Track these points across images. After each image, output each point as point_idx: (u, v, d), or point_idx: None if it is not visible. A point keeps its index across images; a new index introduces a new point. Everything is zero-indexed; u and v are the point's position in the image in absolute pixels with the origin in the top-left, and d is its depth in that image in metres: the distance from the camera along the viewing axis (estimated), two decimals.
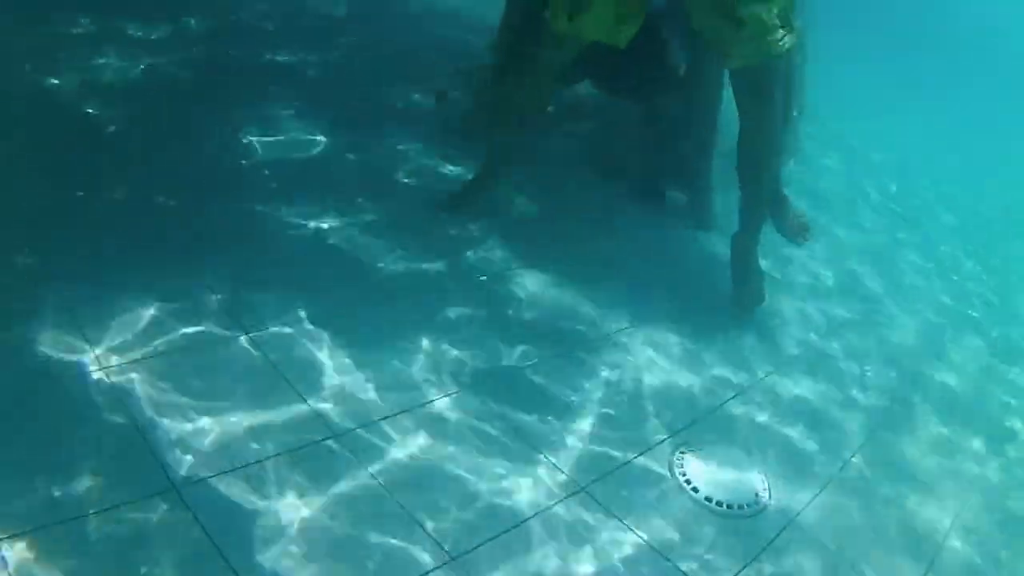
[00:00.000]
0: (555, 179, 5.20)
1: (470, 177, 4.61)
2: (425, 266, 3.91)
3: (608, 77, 5.10)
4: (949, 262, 6.73)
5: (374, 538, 2.50)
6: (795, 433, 3.65)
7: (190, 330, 3.04)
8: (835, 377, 4.23)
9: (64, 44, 4.71)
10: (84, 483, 2.35)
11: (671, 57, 4.95)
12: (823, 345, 4.51)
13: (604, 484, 2.99)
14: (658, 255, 4.79)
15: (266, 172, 4.22)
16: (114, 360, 2.79)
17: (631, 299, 4.20)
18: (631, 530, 2.82)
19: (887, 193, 7.83)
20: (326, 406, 2.92)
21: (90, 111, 4.18)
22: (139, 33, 5.12)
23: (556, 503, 2.84)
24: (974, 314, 5.86)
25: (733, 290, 4.47)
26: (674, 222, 5.18)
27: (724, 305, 4.43)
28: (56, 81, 4.32)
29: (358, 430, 2.87)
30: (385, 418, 2.96)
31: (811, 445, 3.61)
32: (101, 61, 4.66)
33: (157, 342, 2.94)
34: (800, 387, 4.01)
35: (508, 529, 2.68)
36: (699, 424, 3.49)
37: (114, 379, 2.72)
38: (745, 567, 2.83)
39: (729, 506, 3.07)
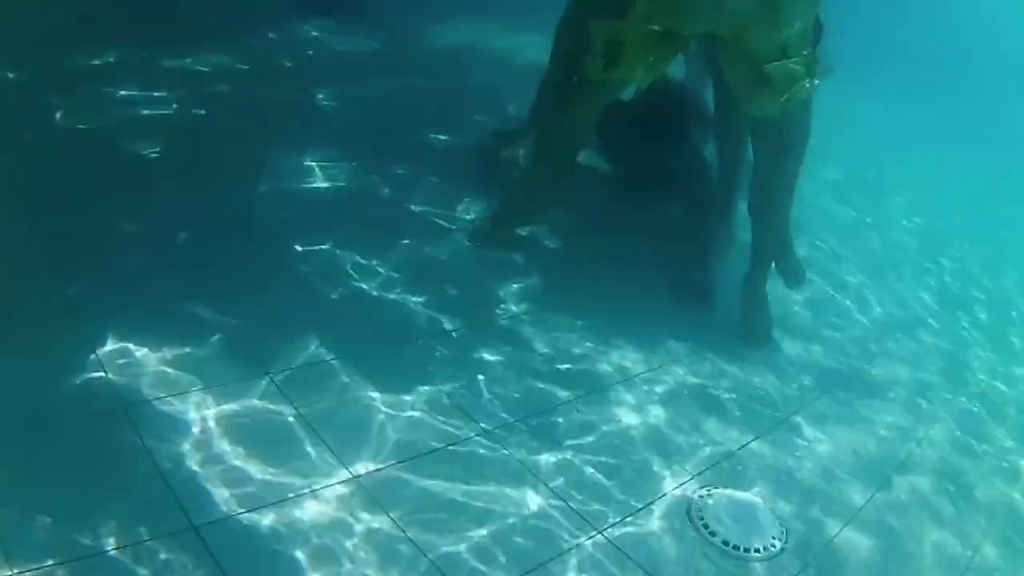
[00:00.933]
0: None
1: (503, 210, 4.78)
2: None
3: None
4: None
5: None
6: (810, 476, 3.65)
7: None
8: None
9: (88, 77, 4.83)
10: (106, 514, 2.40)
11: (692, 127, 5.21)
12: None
13: (623, 528, 3.01)
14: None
15: (291, 211, 4.31)
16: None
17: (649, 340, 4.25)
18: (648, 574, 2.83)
19: None
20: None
21: (117, 147, 4.28)
22: (168, 66, 5.24)
23: (570, 548, 2.86)
24: None
25: (743, 327, 4.56)
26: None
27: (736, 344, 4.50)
28: (76, 116, 4.40)
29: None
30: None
31: (825, 488, 3.61)
32: (124, 94, 4.76)
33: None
34: (818, 431, 4.00)
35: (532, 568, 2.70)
36: (716, 468, 3.50)
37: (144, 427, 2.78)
38: None
39: (747, 549, 3.07)
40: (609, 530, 2.97)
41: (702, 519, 3.15)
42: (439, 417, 3.27)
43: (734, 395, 4.07)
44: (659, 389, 3.92)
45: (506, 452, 3.19)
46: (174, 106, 4.84)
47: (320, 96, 5.68)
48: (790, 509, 3.38)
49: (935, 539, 3.50)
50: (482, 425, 3.29)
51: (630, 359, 4.07)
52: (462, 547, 2.71)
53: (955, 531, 3.59)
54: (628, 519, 3.06)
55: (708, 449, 3.61)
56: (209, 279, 3.59)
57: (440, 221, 4.72)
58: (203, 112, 4.95)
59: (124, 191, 3.96)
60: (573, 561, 2.79)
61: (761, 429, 3.86)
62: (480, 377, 3.59)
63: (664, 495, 3.25)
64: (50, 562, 2.21)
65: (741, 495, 3.38)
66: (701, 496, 3.28)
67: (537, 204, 4.77)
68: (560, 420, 3.49)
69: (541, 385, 3.67)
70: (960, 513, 3.74)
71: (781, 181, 4.23)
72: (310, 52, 6.40)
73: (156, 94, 4.87)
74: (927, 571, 3.31)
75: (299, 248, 4.02)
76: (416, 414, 3.24)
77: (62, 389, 2.80)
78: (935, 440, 4.30)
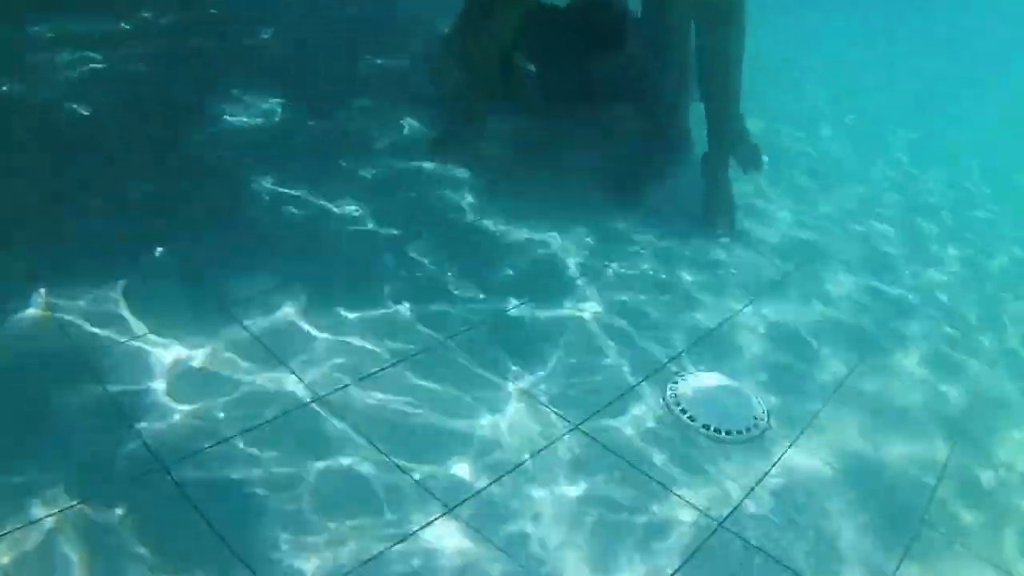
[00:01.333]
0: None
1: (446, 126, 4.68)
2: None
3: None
4: None
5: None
6: (785, 355, 3.55)
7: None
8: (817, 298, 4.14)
9: (25, 48, 4.60)
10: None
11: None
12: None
13: (599, 420, 2.88)
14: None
15: (236, 152, 4.09)
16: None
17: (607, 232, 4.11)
18: (633, 466, 2.71)
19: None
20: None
21: (58, 111, 4.05)
22: (96, 32, 4.96)
23: (552, 443, 2.72)
24: None
25: (705, 214, 4.48)
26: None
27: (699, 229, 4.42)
28: (21, 86, 4.22)
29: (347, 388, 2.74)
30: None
31: (802, 365, 3.51)
32: (64, 60, 4.53)
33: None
34: (780, 312, 3.90)
35: (507, 471, 2.56)
36: (688, 352, 3.38)
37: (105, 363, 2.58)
38: (752, 490, 2.72)
39: (728, 432, 2.96)
40: (586, 423, 2.84)
41: (679, 405, 3.03)
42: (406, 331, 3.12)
43: (698, 278, 3.96)
44: (622, 276, 3.81)
45: (471, 357, 3.05)
46: (112, 68, 4.58)
47: (252, 38, 5.46)
48: (770, 387, 3.28)
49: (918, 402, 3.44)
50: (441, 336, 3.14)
51: (588, 250, 3.96)
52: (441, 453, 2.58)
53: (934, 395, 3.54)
54: (605, 410, 2.93)
55: (678, 334, 3.48)
56: (162, 227, 3.37)
57: (380, 143, 4.52)
58: (141, 69, 4.69)
59: (70, 156, 3.73)
60: (552, 457, 2.66)
61: (732, 308, 3.75)
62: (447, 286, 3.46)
63: (641, 382, 3.12)
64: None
65: (718, 377, 3.26)
66: (675, 383, 3.16)
67: (472, 114, 4.68)
68: (523, 317, 3.34)
69: (499, 285, 3.53)
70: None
71: (727, 55, 4.13)
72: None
73: (93, 56, 4.61)
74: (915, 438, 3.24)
75: (248, 186, 3.82)
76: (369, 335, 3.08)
77: (22, 351, 2.62)
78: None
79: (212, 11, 5.80)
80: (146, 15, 5.37)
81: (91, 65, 4.56)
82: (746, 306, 3.82)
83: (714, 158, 4.38)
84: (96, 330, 2.75)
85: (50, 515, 2.10)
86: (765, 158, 4.87)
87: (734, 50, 4.13)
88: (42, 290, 2.86)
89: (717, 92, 4.24)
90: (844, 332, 3.84)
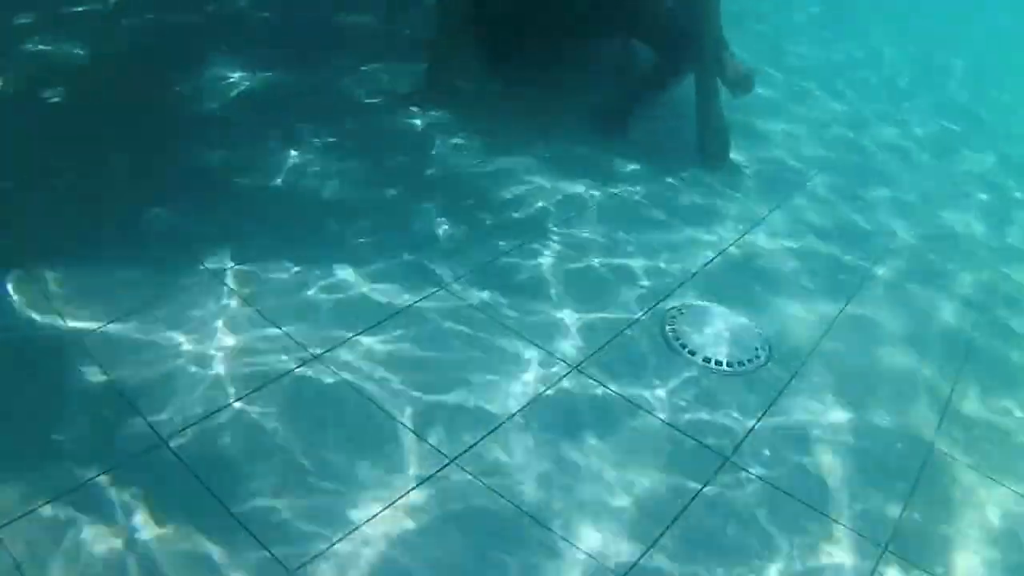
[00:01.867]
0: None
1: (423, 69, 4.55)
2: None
3: None
4: None
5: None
6: (784, 281, 3.49)
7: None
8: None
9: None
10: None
11: None
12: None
13: (602, 357, 2.82)
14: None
15: (218, 119, 3.96)
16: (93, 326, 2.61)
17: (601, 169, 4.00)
18: (635, 405, 2.65)
19: None
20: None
21: (36, 97, 3.88)
22: (71, 11, 4.77)
23: (551, 387, 2.66)
24: None
25: (698, 140, 4.36)
26: None
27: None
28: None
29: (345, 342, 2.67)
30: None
31: (803, 290, 3.45)
32: (38, 47, 4.33)
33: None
34: (778, 242, 3.81)
35: (500, 424, 2.51)
36: (686, 285, 3.30)
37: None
38: (759, 421, 2.68)
39: (730, 364, 2.90)
40: (585, 363, 2.78)
41: (678, 339, 2.97)
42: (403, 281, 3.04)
43: (694, 210, 3.88)
44: (615, 208, 3.74)
45: (468, 302, 2.97)
46: (81, 51, 4.36)
47: (224, 8, 5.22)
48: (767, 319, 3.22)
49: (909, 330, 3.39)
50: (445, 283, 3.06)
51: (582, 185, 3.88)
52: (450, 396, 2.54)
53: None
54: (603, 346, 2.87)
55: (676, 265, 3.41)
56: (147, 204, 3.22)
57: (368, 99, 4.38)
58: (115, 49, 4.49)
59: (49, 139, 3.58)
60: (552, 392, 2.61)
61: (725, 242, 3.67)
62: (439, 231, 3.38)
63: (637, 318, 3.05)
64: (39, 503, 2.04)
65: (716, 308, 3.19)
66: (674, 316, 3.09)
67: (454, 53, 4.54)
68: (518, 262, 3.26)
69: (494, 228, 3.45)
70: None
71: None
72: None
73: (62, 44, 4.38)
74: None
75: (234, 152, 3.68)
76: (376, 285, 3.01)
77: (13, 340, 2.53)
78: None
79: None
80: None
81: (68, 49, 4.37)
82: (742, 236, 3.75)
83: (701, 82, 4.24)
84: (80, 310, 2.66)
85: (55, 499, 2.04)
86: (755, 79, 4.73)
87: None
88: (20, 272, 2.77)
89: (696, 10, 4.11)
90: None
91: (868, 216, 4.21)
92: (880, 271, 3.72)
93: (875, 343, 3.21)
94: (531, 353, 2.78)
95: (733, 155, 4.43)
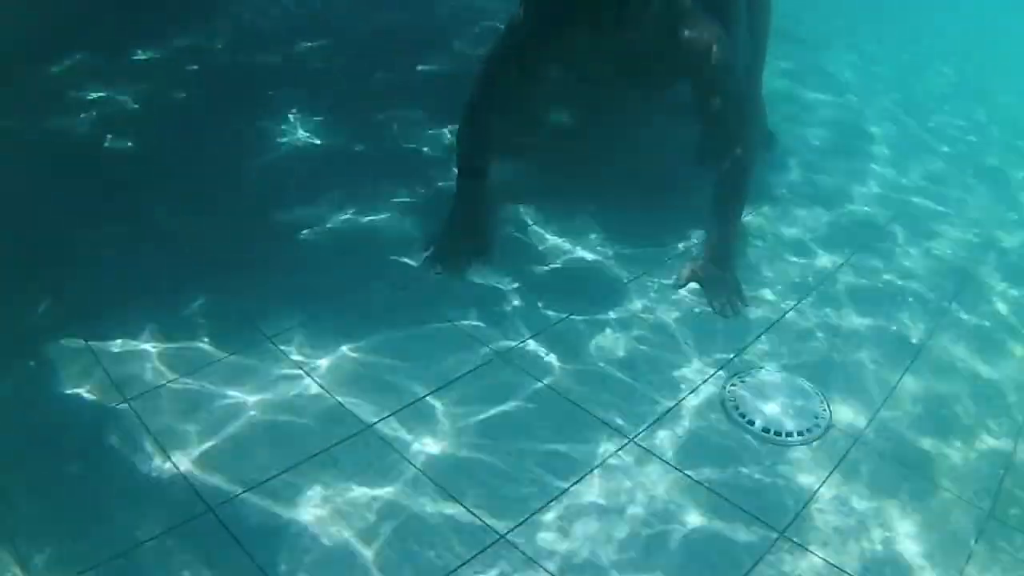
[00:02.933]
0: None
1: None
2: None
3: None
4: None
5: None
6: (845, 346, 3.47)
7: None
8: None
9: (68, 82, 4.72)
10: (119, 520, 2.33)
11: None
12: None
13: (657, 430, 2.87)
14: None
15: (276, 177, 4.15)
16: (137, 391, 2.77)
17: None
18: (688, 476, 2.70)
19: None
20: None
21: (100, 145, 4.19)
22: (135, 59, 5.12)
23: (608, 456, 2.73)
24: None
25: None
26: None
27: None
28: (65, 120, 4.35)
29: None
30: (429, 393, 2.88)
31: (864, 356, 3.43)
32: (103, 94, 4.65)
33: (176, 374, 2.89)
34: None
35: (563, 490, 2.58)
36: (745, 351, 3.33)
37: (140, 411, 2.70)
38: (816, 492, 2.69)
39: (789, 433, 2.92)
40: (642, 434, 2.84)
41: (737, 408, 3.00)
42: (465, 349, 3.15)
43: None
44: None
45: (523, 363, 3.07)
46: (145, 98, 4.69)
47: (291, 54, 5.52)
48: (829, 382, 3.22)
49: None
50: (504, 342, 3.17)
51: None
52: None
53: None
54: (659, 420, 2.92)
55: (739, 335, 3.44)
56: (199, 264, 3.44)
57: (434, 155, 4.52)
58: (179, 96, 4.81)
59: (102, 192, 3.83)
60: (600, 472, 2.68)
61: (789, 301, 3.68)
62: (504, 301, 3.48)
63: (695, 388, 3.09)
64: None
65: (775, 375, 3.21)
66: (734, 384, 3.12)
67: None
68: (582, 327, 3.35)
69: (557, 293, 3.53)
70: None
71: None
72: (273, 12, 6.13)
73: (126, 90, 4.72)
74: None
75: (291, 215, 3.85)
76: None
77: (62, 399, 2.71)
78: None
79: (254, 27, 5.87)
80: (189, 40, 5.49)
81: (123, 98, 4.67)
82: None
83: None
84: (131, 371, 2.85)
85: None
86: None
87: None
88: (75, 330, 2.97)
89: None
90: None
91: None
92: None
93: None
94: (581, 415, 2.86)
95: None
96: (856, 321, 3.61)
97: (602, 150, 4.62)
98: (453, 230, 3.73)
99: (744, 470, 2.75)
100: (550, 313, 3.40)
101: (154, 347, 2.97)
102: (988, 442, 3.03)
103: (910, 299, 3.84)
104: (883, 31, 8.63)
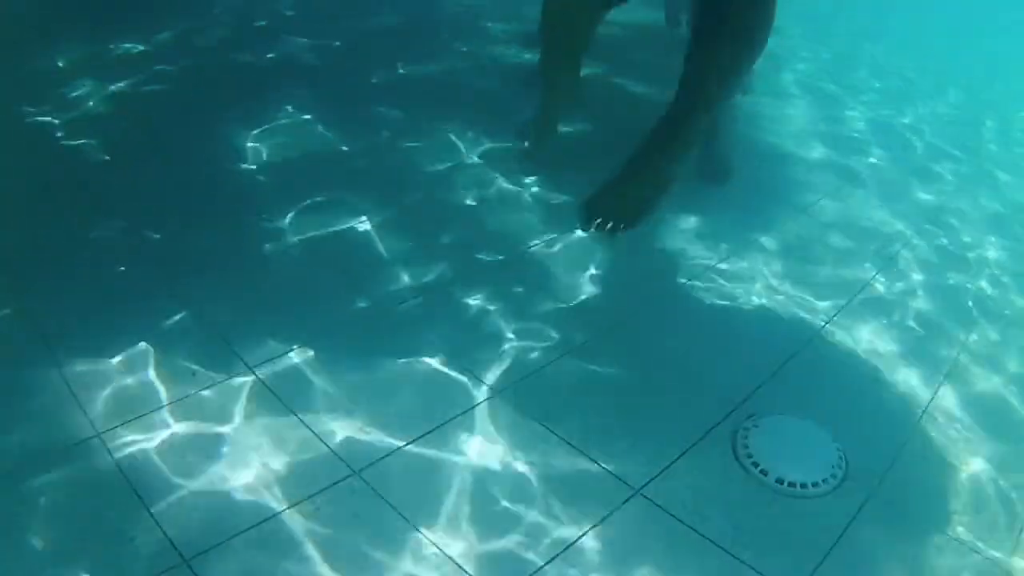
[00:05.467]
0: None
1: (532, 119, 4.44)
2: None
3: None
4: None
5: None
6: (863, 382, 3.31)
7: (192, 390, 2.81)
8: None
9: (47, 78, 4.53)
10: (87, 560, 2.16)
11: None
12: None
13: (662, 481, 2.71)
14: None
15: (265, 180, 3.97)
16: (113, 423, 2.59)
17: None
18: (693, 530, 2.54)
19: None
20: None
21: (76, 144, 4.00)
22: (119, 53, 4.92)
23: (611, 513, 2.57)
24: None
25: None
26: None
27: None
28: (43, 118, 4.17)
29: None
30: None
31: (882, 395, 3.27)
32: (84, 91, 4.46)
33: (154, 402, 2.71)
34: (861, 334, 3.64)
35: (551, 559, 2.42)
36: (760, 391, 3.17)
37: (113, 445, 2.52)
38: (827, 556, 2.53)
39: (803, 485, 2.76)
40: (649, 487, 2.68)
41: (750, 456, 2.84)
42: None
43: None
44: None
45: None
46: (128, 95, 4.51)
47: (284, 52, 5.32)
48: (846, 426, 3.06)
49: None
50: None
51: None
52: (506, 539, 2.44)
53: None
54: (667, 468, 2.75)
55: (751, 372, 3.27)
56: (176, 275, 3.26)
57: (439, 165, 4.34)
58: (164, 92, 4.61)
59: (84, 196, 3.66)
60: (606, 530, 2.51)
61: (799, 336, 3.52)
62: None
63: (705, 435, 2.93)
64: None
65: (790, 419, 3.05)
66: (747, 428, 2.96)
67: (556, 114, 4.33)
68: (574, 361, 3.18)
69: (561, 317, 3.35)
70: None
71: None
72: (275, 9, 5.94)
73: (109, 86, 4.54)
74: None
75: (275, 223, 3.68)
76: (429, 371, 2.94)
77: (28, 426, 2.53)
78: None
79: (252, 24, 5.68)
80: (183, 32, 5.31)
81: (107, 95, 4.49)
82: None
83: None
84: (112, 398, 2.68)
85: None
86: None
87: None
88: (37, 350, 2.79)
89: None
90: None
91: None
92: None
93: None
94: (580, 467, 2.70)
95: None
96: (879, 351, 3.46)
97: None
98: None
99: (757, 524, 2.59)
100: (542, 345, 3.24)
101: (127, 369, 2.80)
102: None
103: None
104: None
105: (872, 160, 5.37)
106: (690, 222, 4.14)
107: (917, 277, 4.12)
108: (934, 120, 6.39)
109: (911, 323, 3.74)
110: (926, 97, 6.99)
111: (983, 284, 4.21)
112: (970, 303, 4.02)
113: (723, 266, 3.87)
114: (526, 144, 4.33)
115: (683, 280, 3.73)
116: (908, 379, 3.38)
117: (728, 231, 4.12)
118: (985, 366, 3.55)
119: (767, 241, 4.13)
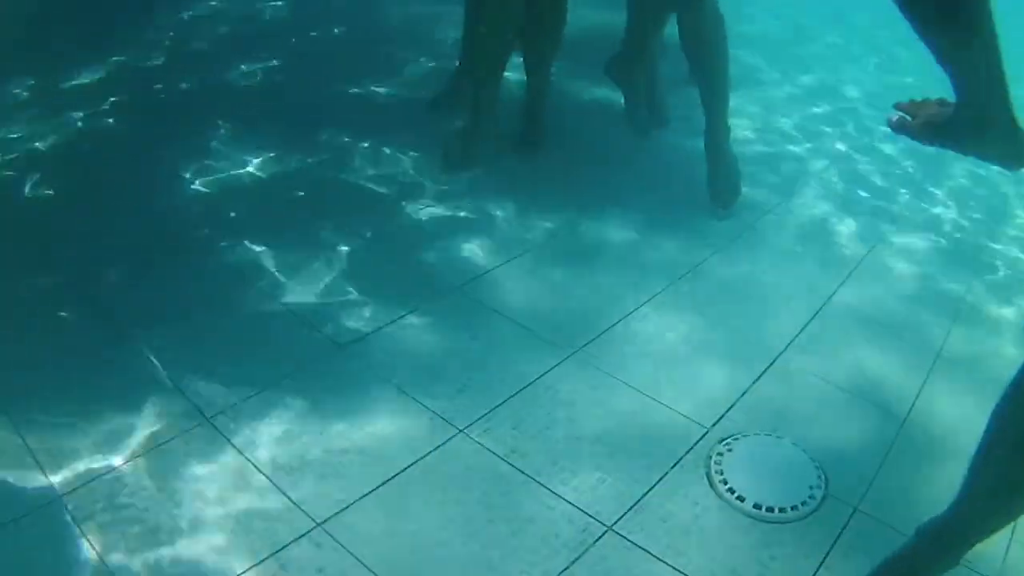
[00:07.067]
0: None
1: (458, 132, 4.52)
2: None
3: None
4: None
5: None
6: (841, 396, 3.21)
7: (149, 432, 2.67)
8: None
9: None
10: None
11: None
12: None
13: (635, 516, 2.59)
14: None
15: (211, 217, 3.82)
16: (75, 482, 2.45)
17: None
18: (669, 566, 2.42)
19: None
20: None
21: (17, 183, 3.86)
22: (70, 86, 4.79)
23: (581, 554, 2.44)
24: None
25: (709, 185, 4.35)
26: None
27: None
28: None
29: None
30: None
31: (860, 411, 3.17)
32: (21, 127, 4.31)
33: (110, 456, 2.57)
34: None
35: None
36: (733, 410, 3.06)
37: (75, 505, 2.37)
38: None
39: (782, 509, 2.65)
40: (620, 523, 2.55)
41: (725, 482, 2.72)
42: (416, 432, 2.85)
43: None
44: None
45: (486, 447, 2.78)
46: (70, 131, 4.36)
47: (231, 76, 5.18)
48: (825, 443, 2.95)
49: None
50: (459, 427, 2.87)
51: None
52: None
53: None
54: (638, 501, 2.63)
55: (717, 391, 3.16)
56: (124, 323, 3.13)
57: (381, 191, 4.23)
58: (107, 125, 4.46)
59: (16, 240, 3.51)
60: (578, 571, 2.39)
61: (766, 353, 3.41)
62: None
63: (677, 463, 2.81)
64: None
65: (765, 440, 2.94)
66: (720, 452, 2.85)
67: (484, 127, 4.43)
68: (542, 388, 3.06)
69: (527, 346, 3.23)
70: None
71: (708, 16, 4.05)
72: (219, 32, 5.80)
73: (51, 122, 4.39)
74: None
75: (226, 259, 3.55)
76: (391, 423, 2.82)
77: None
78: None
79: (193, 48, 5.54)
80: (123, 60, 5.17)
81: (58, 125, 4.38)
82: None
83: (713, 127, 4.29)
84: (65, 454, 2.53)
85: None
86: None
87: (709, 9, 4.06)
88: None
89: (699, 52, 4.20)
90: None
91: None
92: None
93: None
94: (560, 510, 2.58)
95: None
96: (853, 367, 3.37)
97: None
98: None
99: (735, 557, 2.47)
100: (508, 377, 3.12)
101: (82, 423, 2.65)
102: None
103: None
104: None
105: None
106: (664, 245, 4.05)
107: (886, 280, 4.03)
108: None
109: (883, 331, 3.64)
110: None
111: (954, 286, 4.14)
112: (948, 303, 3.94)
113: (683, 287, 3.77)
114: (454, 157, 4.42)
115: (644, 297, 3.62)
116: (885, 390, 3.28)
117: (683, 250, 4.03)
118: (964, 371, 3.46)
119: (718, 261, 4.04)
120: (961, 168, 5.38)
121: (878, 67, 7.28)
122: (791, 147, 5.35)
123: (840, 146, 5.51)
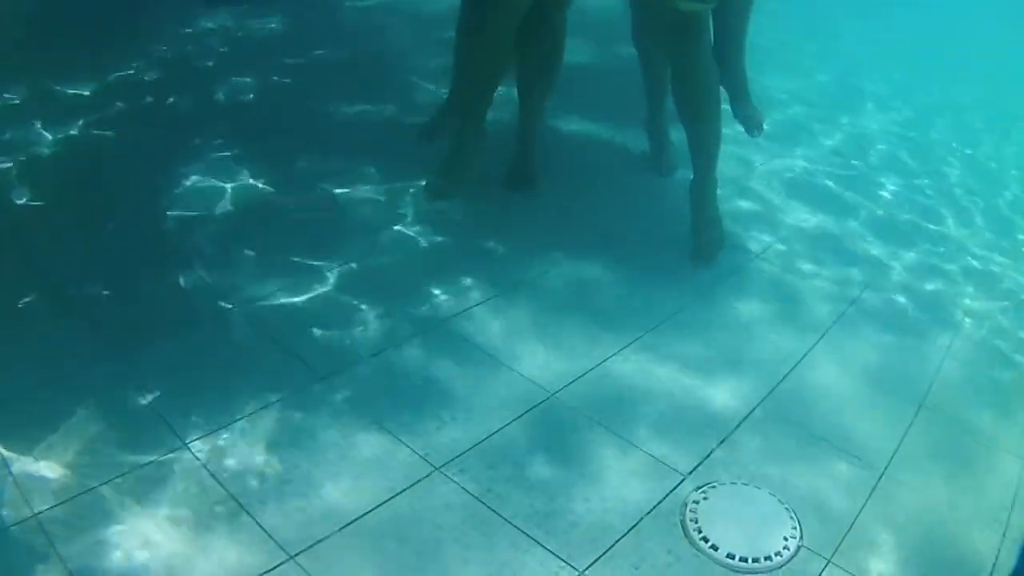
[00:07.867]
0: None
1: (441, 161, 4.47)
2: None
3: None
4: None
5: None
6: (815, 443, 3.22)
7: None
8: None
9: None
10: None
11: None
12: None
13: (608, 562, 2.58)
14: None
15: (203, 234, 3.85)
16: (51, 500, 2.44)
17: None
18: None
19: None
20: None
21: (7, 194, 3.87)
22: (67, 94, 4.82)
23: None
24: None
25: (691, 240, 4.31)
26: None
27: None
28: None
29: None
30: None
31: (836, 460, 3.17)
32: (25, 135, 4.34)
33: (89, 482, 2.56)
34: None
35: None
36: (713, 458, 3.06)
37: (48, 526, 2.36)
38: None
39: (755, 559, 2.65)
40: (591, 570, 2.55)
41: (699, 531, 2.72)
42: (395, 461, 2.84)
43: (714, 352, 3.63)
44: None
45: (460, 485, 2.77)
46: (64, 143, 4.38)
47: (224, 93, 5.23)
48: (801, 492, 2.95)
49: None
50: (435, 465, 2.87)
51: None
52: None
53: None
54: (611, 548, 2.63)
55: (695, 437, 3.17)
56: (115, 336, 3.14)
57: (369, 214, 4.25)
58: (101, 138, 4.48)
59: (7, 250, 3.52)
60: None
61: (753, 395, 3.42)
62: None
63: (652, 510, 2.81)
64: None
65: (741, 488, 2.94)
66: (696, 500, 2.85)
67: (471, 141, 4.40)
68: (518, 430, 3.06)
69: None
70: None
71: (700, 72, 4.08)
72: (221, 48, 5.85)
73: (45, 134, 4.41)
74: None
75: (212, 281, 3.56)
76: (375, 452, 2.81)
77: None
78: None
79: (192, 64, 5.57)
80: (123, 73, 5.20)
81: (53, 136, 4.39)
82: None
83: (699, 182, 4.30)
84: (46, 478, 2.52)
85: None
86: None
87: (704, 63, 4.09)
88: None
89: (690, 109, 4.18)
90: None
91: None
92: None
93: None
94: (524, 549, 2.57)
95: None
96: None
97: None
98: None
99: None
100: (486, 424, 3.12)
101: (61, 444, 2.64)
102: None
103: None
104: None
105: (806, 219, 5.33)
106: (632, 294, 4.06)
107: (868, 327, 4.06)
108: None
109: (861, 381, 3.65)
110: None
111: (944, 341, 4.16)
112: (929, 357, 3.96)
113: (665, 331, 3.79)
114: (439, 184, 4.41)
115: (621, 345, 3.63)
116: (863, 438, 3.28)
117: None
118: (945, 417, 3.47)
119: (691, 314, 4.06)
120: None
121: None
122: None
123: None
